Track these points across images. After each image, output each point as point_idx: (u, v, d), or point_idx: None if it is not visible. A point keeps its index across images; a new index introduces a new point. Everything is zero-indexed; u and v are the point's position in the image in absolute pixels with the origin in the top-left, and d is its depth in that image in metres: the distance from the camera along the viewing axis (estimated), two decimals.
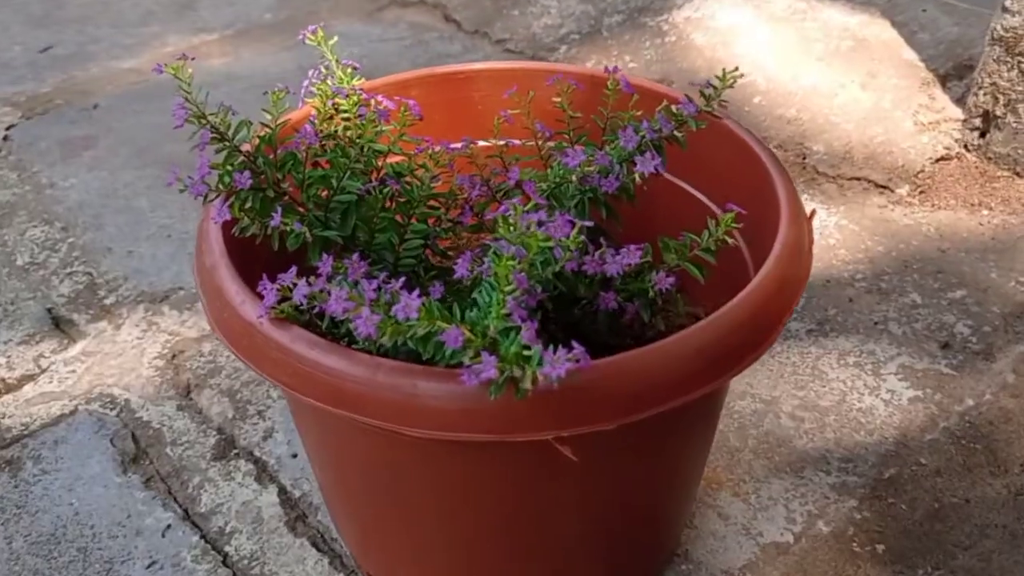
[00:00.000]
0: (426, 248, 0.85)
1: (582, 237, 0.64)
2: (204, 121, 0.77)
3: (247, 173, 0.75)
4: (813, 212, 0.84)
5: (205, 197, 0.73)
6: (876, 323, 1.27)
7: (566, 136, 0.82)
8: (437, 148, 0.83)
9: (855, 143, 1.58)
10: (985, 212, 1.45)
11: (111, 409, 1.20)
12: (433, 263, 0.88)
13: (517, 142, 0.89)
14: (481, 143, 1.04)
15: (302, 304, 0.64)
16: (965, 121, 1.56)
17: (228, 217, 0.72)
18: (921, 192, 1.50)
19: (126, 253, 1.47)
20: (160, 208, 1.57)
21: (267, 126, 0.79)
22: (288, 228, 0.74)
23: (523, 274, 0.60)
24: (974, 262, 1.36)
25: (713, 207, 0.92)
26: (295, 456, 1.13)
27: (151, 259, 1.45)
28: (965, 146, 1.56)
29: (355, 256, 0.74)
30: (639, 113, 0.78)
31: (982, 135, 1.54)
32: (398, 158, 0.88)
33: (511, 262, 0.60)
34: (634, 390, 0.67)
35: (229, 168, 0.76)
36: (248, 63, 1.98)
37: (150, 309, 1.35)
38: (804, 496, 1.06)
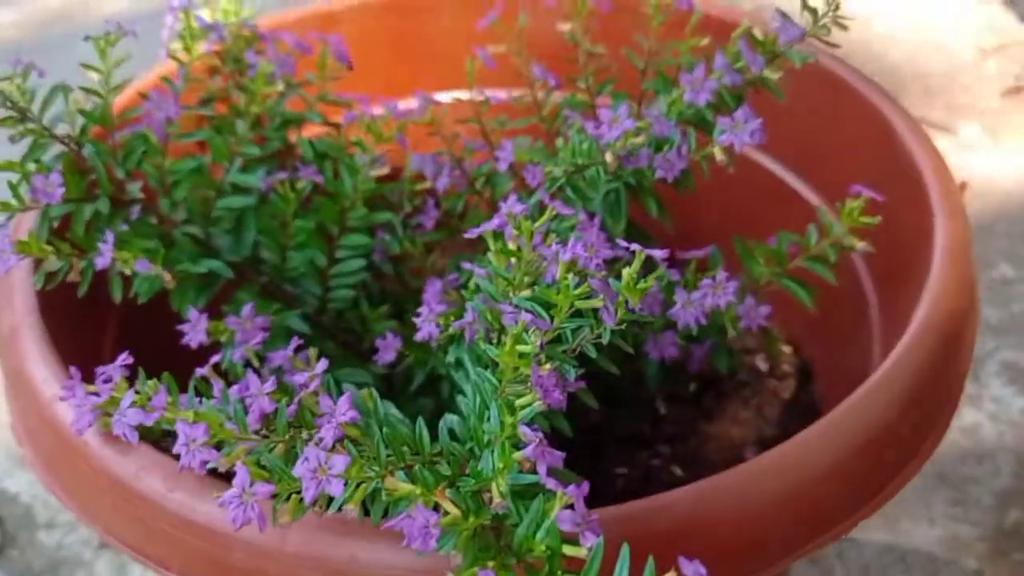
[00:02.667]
0: (370, 271, 0.55)
1: (653, 285, 0.34)
2: None
3: (56, 177, 0.44)
4: (964, 184, 0.55)
5: None
6: None
7: (582, 86, 0.52)
8: (378, 112, 0.52)
9: (907, 78, 1.29)
10: None
11: None
12: (382, 287, 0.58)
13: (502, 95, 0.58)
14: (447, 97, 0.73)
15: (128, 438, 0.33)
16: None
17: (14, 261, 0.42)
18: (990, 133, 1.21)
19: None
20: None
21: (94, 92, 0.48)
22: (127, 268, 0.43)
23: (548, 373, 0.31)
24: None
25: (808, 192, 0.62)
26: None
27: None
28: None
29: (246, 310, 0.43)
30: (703, 42, 0.48)
31: None
32: (318, 129, 0.58)
33: (524, 347, 0.31)
34: (743, 541, 0.38)
35: (30, 171, 0.45)
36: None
37: None
38: (906, 560, 0.79)
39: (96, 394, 0.36)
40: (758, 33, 0.47)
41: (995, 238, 1.08)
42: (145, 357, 0.45)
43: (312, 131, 0.58)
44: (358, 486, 0.29)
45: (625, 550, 0.27)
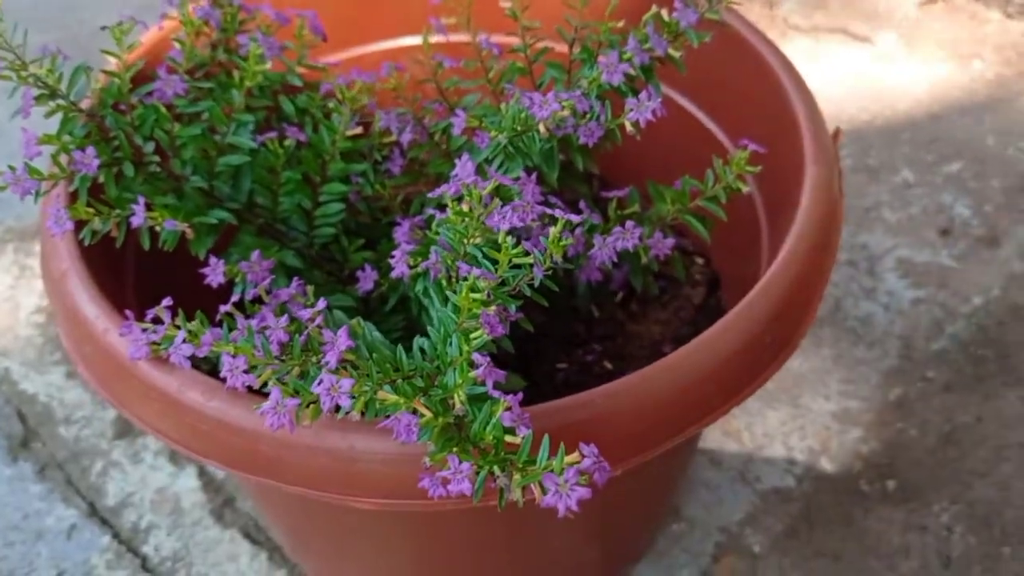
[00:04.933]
0: (347, 209, 0.66)
1: (569, 238, 0.46)
2: (25, 73, 0.55)
3: (91, 151, 0.54)
4: (837, 131, 0.67)
5: (36, 194, 0.53)
6: (868, 209, 1.12)
7: (522, 54, 0.62)
8: (352, 80, 0.62)
9: None
10: (977, 64, 1.28)
11: None
12: (357, 222, 0.69)
13: (456, 37, 0.67)
14: (405, 41, 0.83)
15: (182, 364, 0.45)
16: None
17: (71, 227, 0.52)
18: (906, 43, 1.32)
19: None
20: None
21: (112, 74, 0.57)
22: (157, 225, 0.54)
23: (493, 314, 0.42)
24: (969, 127, 1.21)
25: (713, 126, 0.74)
26: None
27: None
28: None
29: (255, 256, 0.55)
30: (620, 24, 0.58)
31: None
32: (296, 87, 0.67)
33: (475, 295, 0.42)
34: (643, 426, 0.51)
35: (68, 142, 0.54)
36: None
37: (21, 249, 1.13)
38: (803, 429, 0.94)
39: (151, 331, 0.47)
40: (665, 16, 0.57)
41: (900, 145, 1.20)
42: (158, 287, 0.56)
43: (292, 88, 0.68)
44: (360, 398, 0.41)
45: (546, 439, 0.40)
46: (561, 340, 0.76)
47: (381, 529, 0.62)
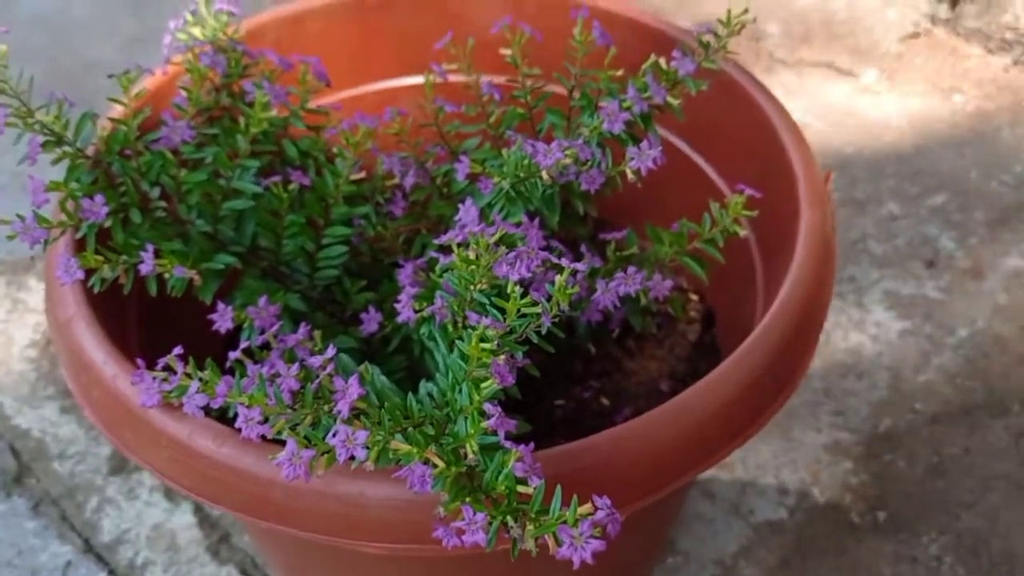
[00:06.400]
0: (350, 251, 0.67)
1: (575, 286, 0.47)
2: (32, 120, 0.56)
3: (99, 198, 0.54)
4: (829, 174, 0.68)
5: (45, 242, 0.53)
6: (855, 242, 1.14)
7: (522, 100, 0.63)
8: (356, 125, 0.63)
9: (814, 22, 1.40)
10: (958, 98, 1.31)
11: None
12: (359, 263, 0.70)
13: (455, 78, 0.68)
14: (405, 81, 0.84)
15: (195, 414, 0.46)
16: None
17: (80, 275, 0.53)
18: (889, 77, 1.34)
19: None
20: (11, 151, 1.31)
21: (119, 122, 0.58)
22: (166, 273, 0.55)
23: (503, 363, 0.43)
24: (952, 159, 1.23)
25: (708, 168, 0.75)
26: None
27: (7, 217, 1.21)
28: (933, 20, 1.40)
29: (262, 301, 0.55)
30: (619, 72, 0.60)
31: (952, 5, 1.38)
32: (300, 131, 0.68)
33: (485, 344, 0.43)
34: (647, 470, 0.52)
35: (75, 189, 0.55)
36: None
37: (13, 283, 1.13)
38: (795, 462, 0.95)
39: (164, 379, 0.48)
40: (664, 65, 0.59)
41: (885, 178, 1.22)
42: (160, 330, 0.56)
43: (292, 131, 0.68)
44: (373, 449, 0.41)
45: (558, 490, 0.40)
46: (559, 377, 0.77)
47: (381, 570, 0.63)
